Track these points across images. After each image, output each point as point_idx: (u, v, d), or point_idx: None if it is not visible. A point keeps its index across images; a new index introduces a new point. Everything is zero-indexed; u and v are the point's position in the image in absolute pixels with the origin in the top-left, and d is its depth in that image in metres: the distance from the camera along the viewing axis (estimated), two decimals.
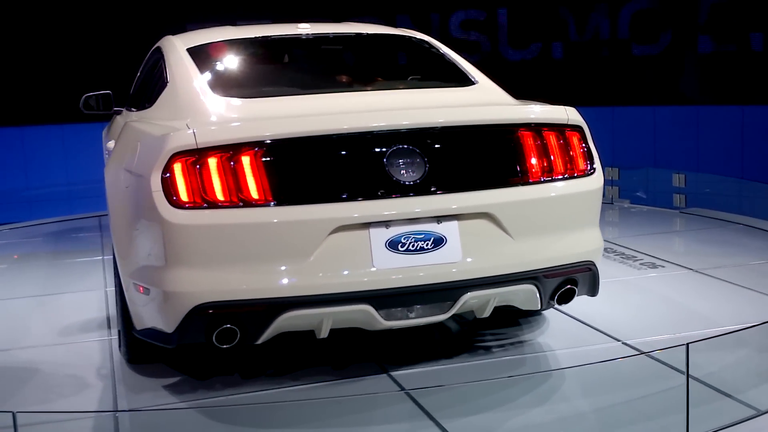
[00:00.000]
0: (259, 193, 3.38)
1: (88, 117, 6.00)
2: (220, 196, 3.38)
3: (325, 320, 3.49)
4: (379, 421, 3.50)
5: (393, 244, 3.45)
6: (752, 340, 3.97)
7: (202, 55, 4.40)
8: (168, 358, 4.14)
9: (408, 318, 3.57)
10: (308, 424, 3.50)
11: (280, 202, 3.38)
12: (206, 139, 3.39)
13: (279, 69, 4.61)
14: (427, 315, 3.59)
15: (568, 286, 3.74)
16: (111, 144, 4.86)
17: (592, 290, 3.85)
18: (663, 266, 5.61)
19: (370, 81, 4.40)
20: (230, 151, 3.40)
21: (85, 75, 9.63)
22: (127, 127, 4.24)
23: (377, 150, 3.48)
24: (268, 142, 3.42)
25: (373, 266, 3.42)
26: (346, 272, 3.42)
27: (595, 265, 3.79)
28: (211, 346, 3.51)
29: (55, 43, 9.93)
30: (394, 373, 3.91)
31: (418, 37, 4.72)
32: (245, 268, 3.39)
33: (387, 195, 3.45)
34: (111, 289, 5.56)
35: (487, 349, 4.21)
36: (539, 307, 3.77)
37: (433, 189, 3.50)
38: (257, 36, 4.63)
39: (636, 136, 9.20)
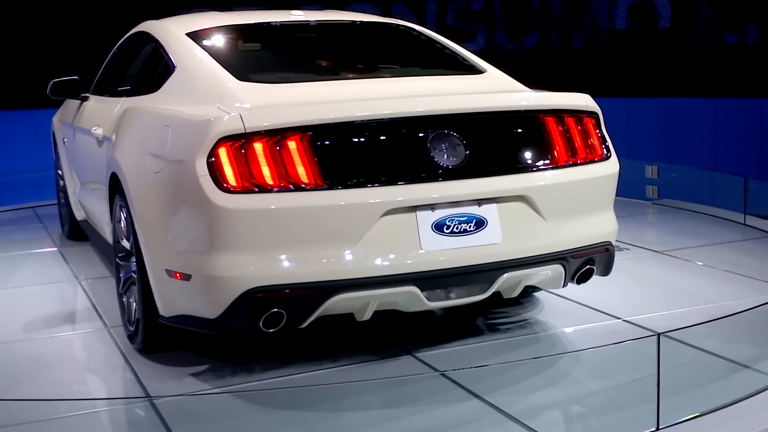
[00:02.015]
0: (309, 177, 3.40)
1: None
2: (269, 180, 3.38)
3: (371, 302, 3.54)
4: (426, 402, 3.57)
5: (439, 227, 3.53)
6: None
7: (204, 40, 4.37)
8: (192, 345, 4.10)
9: (449, 299, 3.66)
10: (345, 405, 3.54)
11: (331, 186, 3.41)
12: (254, 123, 3.38)
13: (288, 55, 4.62)
14: (466, 295, 3.68)
15: (588, 266, 3.91)
16: (99, 131, 4.77)
17: (607, 270, 4.03)
18: (628, 249, 5.86)
19: (384, 68, 4.46)
20: (277, 136, 3.40)
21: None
22: (137, 112, 4.16)
23: (421, 134, 3.55)
24: (316, 126, 3.44)
25: (421, 248, 3.49)
26: (395, 255, 3.47)
27: (612, 245, 3.97)
28: (256, 330, 3.51)
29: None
30: (417, 354, 3.99)
31: (415, 27, 4.82)
32: (295, 251, 3.40)
33: (432, 178, 3.53)
34: (89, 280, 5.44)
35: (498, 328, 4.33)
36: (561, 287, 3.92)
37: (473, 173, 3.59)
38: (258, 22, 4.64)
39: (611, 127, 9.41)
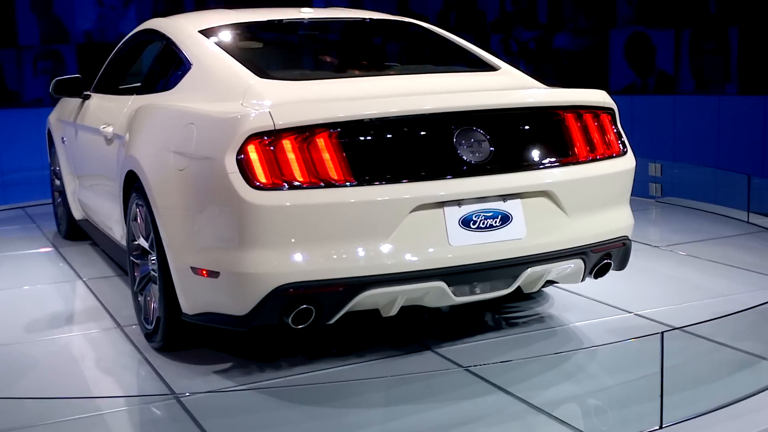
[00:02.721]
0: (339, 174, 3.41)
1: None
2: (300, 177, 3.39)
3: (399, 298, 3.57)
4: (452, 396, 3.60)
5: (465, 222, 3.56)
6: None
7: (218, 38, 4.37)
8: (213, 342, 4.10)
9: (473, 294, 3.69)
10: (371, 400, 3.57)
11: (361, 182, 3.43)
12: (283, 120, 3.39)
13: (303, 52, 4.64)
14: (491, 290, 3.72)
15: (605, 261, 3.96)
16: (109, 129, 4.75)
17: (622, 264, 4.09)
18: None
19: (400, 65, 4.49)
20: (306, 132, 3.42)
21: None
22: (155, 109, 4.15)
23: (447, 131, 3.59)
24: (345, 123, 3.46)
25: (449, 244, 3.53)
26: (423, 250, 3.50)
27: (629, 239, 4.02)
28: (284, 326, 3.53)
29: None
30: (437, 350, 4.02)
31: (425, 25, 4.84)
32: (325, 247, 3.42)
33: (458, 174, 3.56)
34: (93, 279, 5.41)
35: (512, 323, 4.38)
36: (579, 281, 3.98)
37: (497, 168, 3.63)
38: (269, 19, 4.64)
39: None
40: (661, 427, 3.16)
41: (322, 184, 3.40)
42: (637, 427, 3.21)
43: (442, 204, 3.53)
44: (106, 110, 5.03)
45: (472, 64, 4.47)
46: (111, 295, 5.07)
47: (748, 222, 6.51)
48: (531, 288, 3.89)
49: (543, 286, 4.64)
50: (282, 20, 4.67)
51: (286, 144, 3.40)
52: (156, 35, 4.88)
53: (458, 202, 3.55)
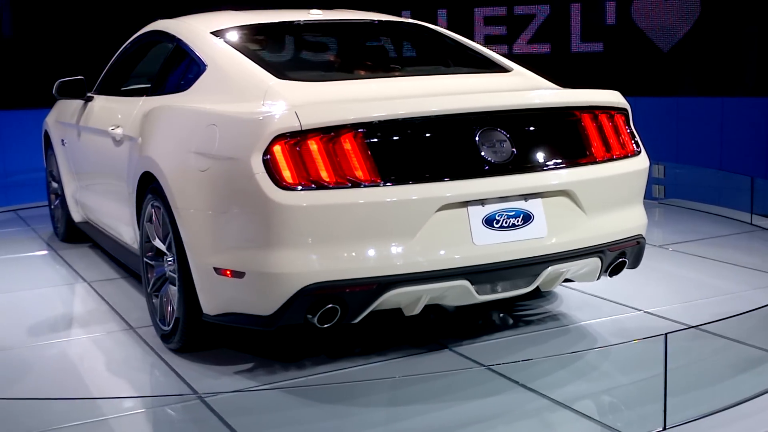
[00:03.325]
0: (365, 174, 3.44)
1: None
2: (326, 177, 3.41)
3: (423, 297, 3.60)
4: (475, 393, 3.64)
5: (489, 221, 3.60)
6: None
7: (230, 39, 4.38)
8: (232, 343, 4.11)
9: (495, 292, 3.73)
10: (397, 398, 3.60)
11: (387, 182, 3.46)
12: (310, 121, 3.41)
13: (316, 54, 4.66)
14: (512, 289, 3.76)
15: (621, 259, 4.01)
16: (119, 130, 4.74)
17: (636, 262, 4.14)
18: None
19: (414, 66, 4.51)
20: (331, 133, 3.44)
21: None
22: (172, 111, 4.15)
23: (470, 131, 3.62)
24: (370, 123, 3.48)
25: (473, 243, 3.56)
26: (448, 249, 3.54)
27: (643, 238, 4.08)
28: (309, 326, 3.55)
29: None
30: (455, 348, 4.05)
31: (433, 27, 4.89)
32: (352, 247, 3.44)
33: (481, 174, 3.60)
34: (98, 282, 5.39)
35: (527, 321, 4.42)
36: (595, 280, 4.03)
37: (519, 168, 3.67)
38: (280, 21, 4.65)
39: None
40: (665, 429, 3.21)
41: (348, 184, 3.42)
42: (657, 422, 3.26)
43: (465, 203, 3.57)
44: (114, 112, 5.02)
45: (483, 65, 4.51)
46: (118, 297, 5.05)
47: (751, 224, 6.57)
48: (549, 286, 3.94)
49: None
50: (293, 22, 4.69)
51: (312, 144, 3.42)
52: (164, 37, 4.88)
53: (482, 202, 3.59)
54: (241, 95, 3.88)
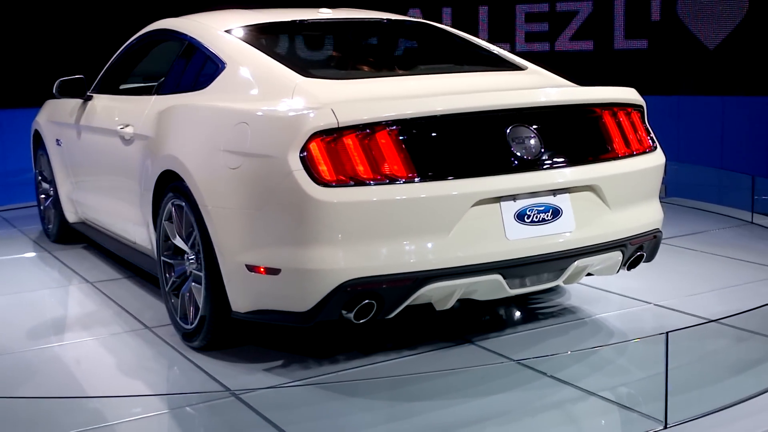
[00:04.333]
0: (402, 170, 3.48)
1: None
2: (365, 174, 3.44)
3: (457, 291, 3.65)
4: (501, 387, 3.70)
5: (520, 216, 3.66)
6: None
7: (246, 38, 4.38)
8: (259, 340, 4.13)
9: (525, 286, 3.79)
10: (429, 390, 3.64)
11: (424, 178, 3.50)
12: (347, 118, 3.44)
13: (333, 52, 4.67)
14: (540, 282, 3.84)
15: (639, 252, 4.10)
16: (129, 129, 4.72)
17: (652, 256, 4.23)
18: None
19: (432, 64, 4.55)
20: (367, 130, 3.47)
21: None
22: (195, 109, 4.12)
23: (501, 127, 3.68)
24: (405, 120, 3.52)
25: (506, 238, 3.62)
26: (483, 244, 3.59)
27: (660, 232, 4.17)
28: (344, 321, 3.58)
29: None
30: (479, 342, 4.11)
31: (442, 26, 4.96)
32: (389, 243, 3.48)
33: (513, 170, 3.66)
34: (102, 282, 5.34)
35: (544, 315, 4.49)
36: (614, 273, 4.11)
37: (548, 164, 3.74)
38: (293, 20, 4.68)
39: None
40: (665, 427, 3.25)
41: (386, 180, 3.45)
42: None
43: (498, 199, 3.62)
44: (121, 111, 4.98)
45: (497, 63, 4.57)
46: (125, 297, 5.02)
47: (752, 222, 6.65)
48: (573, 280, 4.01)
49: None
50: (306, 20, 4.71)
51: (348, 141, 3.45)
52: (172, 35, 4.86)
53: (513, 197, 3.65)
54: (267, 93, 3.89)
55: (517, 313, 4.55)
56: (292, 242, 3.50)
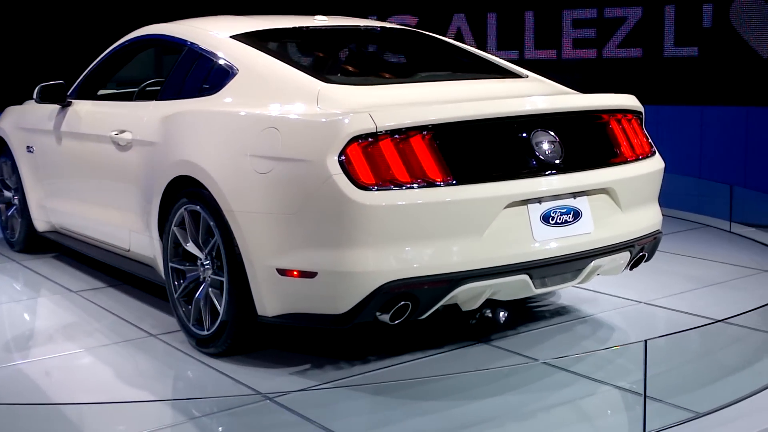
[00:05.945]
0: (438, 174, 3.56)
1: None
2: (401, 177, 3.52)
3: (486, 291, 3.75)
4: (535, 389, 3.81)
5: (545, 218, 3.79)
6: None
7: (256, 44, 4.39)
8: (277, 343, 4.14)
9: (546, 285, 3.92)
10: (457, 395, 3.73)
11: (460, 181, 3.59)
12: (385, 123, 3.51)
13: (338, 58, 4.71)
14: (561, 282, 3.98)
15: (642, 253, 4.28)
16: (127, 135, 4.67)
17: (651, 255, 4.42)
18: None
19: (442, 71, 4.63)
20: (403, 134, 3.55)
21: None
22: (214, 115, 4.09)
23: (526, 132, 3.81)
24: (439, 125, 3.61)
25: (534, 239, 3.74)
26: (514, 245, 3.70)
27: (661, 233, 4.36)
28: (378, 323, 3.65)
29: None
30: (494, 343, 4.21)
31: (438, 36, 5.08)
32: (425, 245, 3.56)
33: (539, 173, 3.79)
34: (87, 291, 5.25)
35: (544, 316, 4.62)
36: (619, 273, 4.28)
37: (569, 168, 3.88)
38: (299, 26, 4.73)
39: None
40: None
41: (424, 183, 3.53)
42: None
43: (526, 201, 3.74)
44: (114, 116, 4.90)
45: (502, 71, 4.69)
46: (118, 305, 4.95)
47: (730, 231, 6.84)
48: (586, 280, 4.14)
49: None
50: (311, 27, 4.75)
51: (386, 145, 3.52)
52: (166, 40, 4.83)
53: (539, 200, 3.77)
54: (288, 99, 3.90)
55: (525, 313, 4.67)
56: (329, 245, 3.54)
